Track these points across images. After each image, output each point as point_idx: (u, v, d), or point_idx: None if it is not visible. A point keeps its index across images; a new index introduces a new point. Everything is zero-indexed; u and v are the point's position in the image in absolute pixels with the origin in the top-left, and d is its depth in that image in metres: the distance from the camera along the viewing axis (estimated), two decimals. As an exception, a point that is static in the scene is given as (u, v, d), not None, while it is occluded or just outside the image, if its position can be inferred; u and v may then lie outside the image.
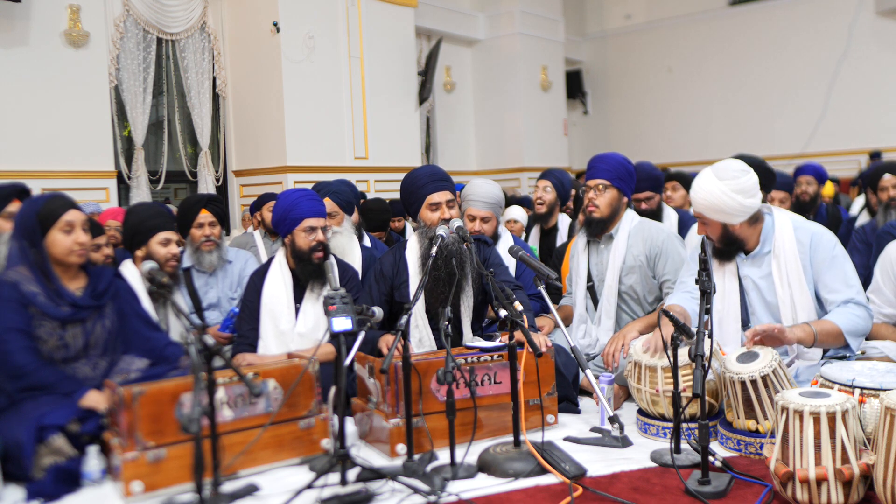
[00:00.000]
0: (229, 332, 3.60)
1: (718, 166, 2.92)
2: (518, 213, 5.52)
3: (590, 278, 3.65)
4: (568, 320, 3.77)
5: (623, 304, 3.55)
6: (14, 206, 3.60)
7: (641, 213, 4.42)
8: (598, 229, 3.57)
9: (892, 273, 3.16)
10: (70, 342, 2.79)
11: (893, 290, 3.17)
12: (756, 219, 2.97)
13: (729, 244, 2.98)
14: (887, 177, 4.71)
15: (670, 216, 4.68)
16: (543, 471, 2.49)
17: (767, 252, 2.98)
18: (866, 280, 3.40)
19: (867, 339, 3.21)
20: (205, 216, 3.91)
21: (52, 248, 2.79)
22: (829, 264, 2.90)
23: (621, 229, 3.55)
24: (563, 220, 5.15)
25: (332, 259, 3.46)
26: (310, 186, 4.05)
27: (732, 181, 2.86)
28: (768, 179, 3.97)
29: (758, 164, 3.58)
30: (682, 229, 4.61)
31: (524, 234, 5.41)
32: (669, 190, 5.30)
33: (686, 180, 5.28)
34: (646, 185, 4.51)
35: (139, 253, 3.48)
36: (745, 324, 3.03)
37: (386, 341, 3.08)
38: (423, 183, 3.38)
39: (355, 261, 3.94)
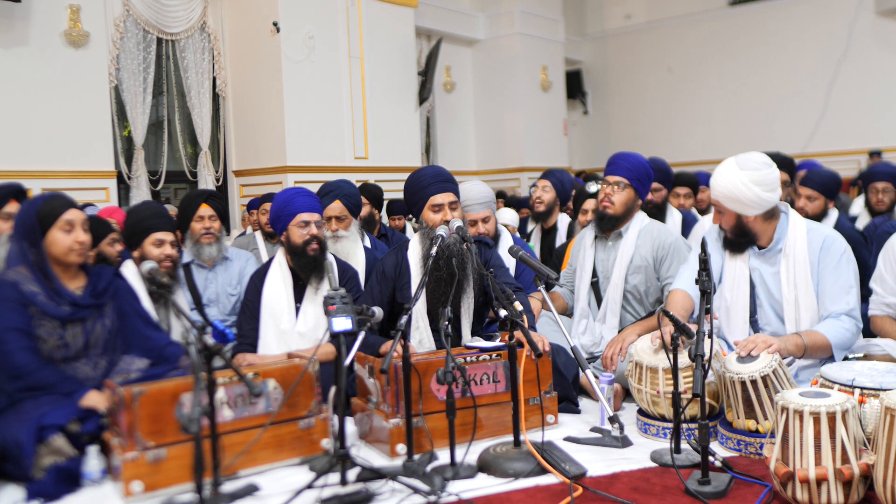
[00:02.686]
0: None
1: (742, 156, 2.95)
2: (508, 216, 5.51)
3: (594, 274, 3.65)
4: (559, 310, 3.76)
5: (626, 302, 3.55)
6: (11, 207, 3.59)
7: (645, 204, 4.39)
8: (609, 226, 3.58)
9: (895, 259, 3.16)
10: (70, 342, 2.79)
11: (894, 277, 3.17)
12: (772, 215, 2.99)
13: (741, 236, 3.00)
14: (880, 184, 4.96)
15: (674, 215, 4.67)
16: (543, 471, 2.49)
17: (780, 250, 3.00)
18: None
19: (869, 335, 3.21)
20: (205, 210, 3.99)
21: (52, 248, 2.78)
22: (834, 270, 2.91)
23: (631, 228, 3.56)
24: (563, 220, 5.15)
25: (332, 259, 3.46)
26: (316, 188, 4.04)
27: (753, 172, 2.89)
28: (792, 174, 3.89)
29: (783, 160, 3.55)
30: (686, 229, 4.60)
31: (518, 236, 5.41)
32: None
33: (690, 181, 5.27)
34: (655, 175, 4.44)
35: (136, 253, 3.48)
36: (753, 315, 3.05)
37: (387, 348, 3.05)
38: (426, 183, 3.34)
39: (359, 264, 3.93)
